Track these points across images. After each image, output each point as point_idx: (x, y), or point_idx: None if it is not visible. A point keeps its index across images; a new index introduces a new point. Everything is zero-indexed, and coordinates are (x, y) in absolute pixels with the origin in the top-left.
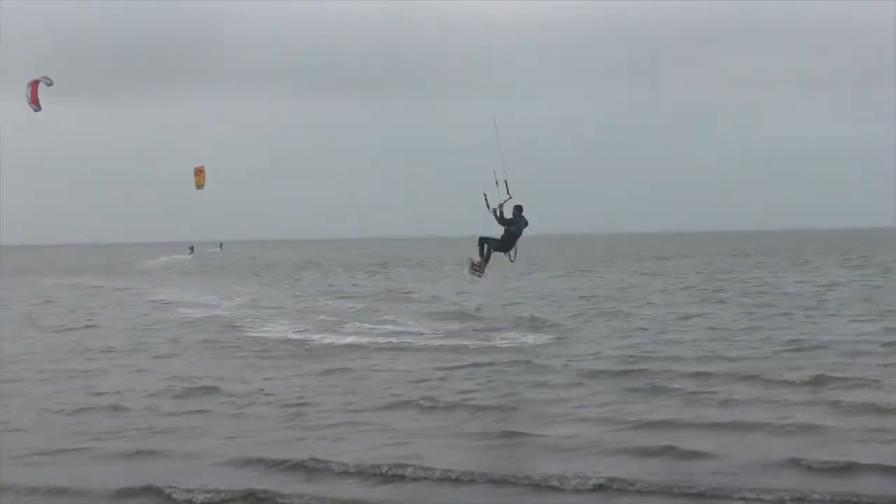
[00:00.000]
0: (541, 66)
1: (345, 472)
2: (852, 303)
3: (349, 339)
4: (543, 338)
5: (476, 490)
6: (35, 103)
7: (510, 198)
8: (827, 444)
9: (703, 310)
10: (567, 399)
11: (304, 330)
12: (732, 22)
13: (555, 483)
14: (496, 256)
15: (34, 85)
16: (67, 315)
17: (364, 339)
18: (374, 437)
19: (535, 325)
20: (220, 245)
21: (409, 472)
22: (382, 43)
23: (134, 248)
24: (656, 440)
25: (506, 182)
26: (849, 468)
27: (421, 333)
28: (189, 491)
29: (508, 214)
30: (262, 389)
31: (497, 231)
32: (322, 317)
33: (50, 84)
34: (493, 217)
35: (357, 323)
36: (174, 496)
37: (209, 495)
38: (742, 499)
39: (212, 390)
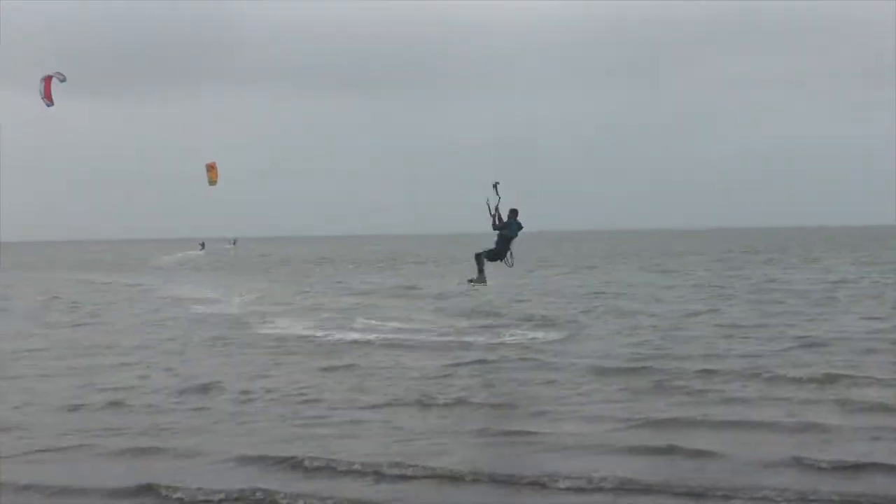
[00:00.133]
0: (541, 66)
1: (346, 471)
2: (862, 300)
3: (356, 336)
4: (551, 335)
5: (479, 489)
6: (48, 98)
7: (499, 199)
8: (835, 443)
9: (710, 306)
10: (573, 397)
11: (312, 326)
12: (732, 22)
13: (559, 482)
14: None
15: (47, 80)
16: (75, 311)
17: (371, 336)
18: (378, 435)
19: (542, 321)
20: (234, 241)
21: (409, 471)
22: (382, 43)
23: (142, 245)
24: (661, 439)
25: (496, 186)
26: (858, 468)
27: (428, 330)
28: (189, 490)
29: (506, 217)
30: (265, 387)
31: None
32: (330, 313)
33: (63, 80)
34: (492, 224)
35: (365, 319)
36: (174, 495)
37: (210, 494)
38: (750, 498)
39: (215, 387)
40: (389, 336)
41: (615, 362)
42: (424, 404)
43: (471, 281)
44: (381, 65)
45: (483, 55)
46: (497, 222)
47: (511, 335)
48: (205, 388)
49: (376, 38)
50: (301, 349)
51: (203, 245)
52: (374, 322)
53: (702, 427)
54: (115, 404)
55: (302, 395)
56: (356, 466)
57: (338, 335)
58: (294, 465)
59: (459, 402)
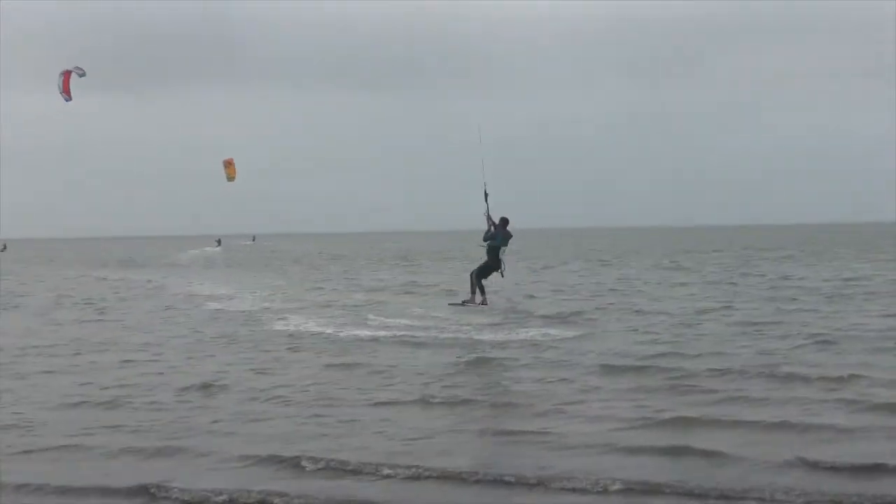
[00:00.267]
0: (545, 65)
1: (347, 471)
2: (877, 297)
3: (368, 332)
4: (563, 332)
5: (482, 489)
6: (66, 93)
7: (487, 206)
8: (848, 443)
9: (724, 303)
10: (582, 396)
11: (324, 323)
12: (763, 17)
13: (565, 483)
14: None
15: (66, 75)
16: (86, 307)
17: (381, 333)
18: (380, 434)
19: (555, 318)
20: (253, 238)
21: (412, 471)
22: (382, 43)
23: (157, 243)
24: (672, 439)
25: (486, 195)
26: (871, 469)
27: (439, 327)
28: (189, 490)
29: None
30: (270, 384)
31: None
32: (343, 310)
33: (82, 75)
34: (486, 233)
35: (375, 316)
36: (174, 495)
37: (210, 494)
38: (760, 499)
39: (220, 385)
40: (400, 333)
41: (627, 360)
42: (429, 402)
43: (464, 303)
44: (381, 65)
45: (483, 55)
46: (487, 231)
47: (524, 331)
48: (210, 386)
49: (376, 37)
50: (311, 346)
51: (219, 241)
52: (385, 319)
53: (713, 427)
54: (117, 402)
55: (305, 393)
56: (357, 466)
57: (349, 332)
58: (295, 464)
59: (466, 400)
